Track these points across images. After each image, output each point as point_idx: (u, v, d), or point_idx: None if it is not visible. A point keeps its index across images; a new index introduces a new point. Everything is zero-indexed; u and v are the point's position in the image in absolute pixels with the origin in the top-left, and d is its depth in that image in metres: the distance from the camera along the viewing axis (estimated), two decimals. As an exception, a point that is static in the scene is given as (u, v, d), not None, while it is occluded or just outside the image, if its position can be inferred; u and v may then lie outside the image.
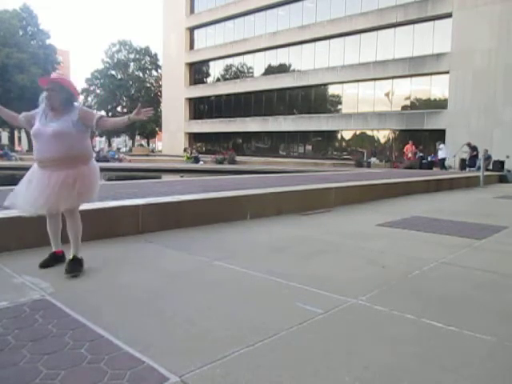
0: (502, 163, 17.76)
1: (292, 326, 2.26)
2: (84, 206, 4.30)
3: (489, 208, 7.62)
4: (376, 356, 1.98)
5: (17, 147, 43.68)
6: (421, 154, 21.03)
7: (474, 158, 17.99)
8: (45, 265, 3.20)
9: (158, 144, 61.37)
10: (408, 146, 21.83)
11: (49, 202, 2.99)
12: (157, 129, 54.17)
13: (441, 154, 20.05)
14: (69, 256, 3.16)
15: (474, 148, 18.44)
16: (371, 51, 27.06)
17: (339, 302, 2.63)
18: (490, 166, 17.31)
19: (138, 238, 4.29)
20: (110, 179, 15.06)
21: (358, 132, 29.37)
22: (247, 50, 34.90)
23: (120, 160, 25.98)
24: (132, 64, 56.90)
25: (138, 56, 56.62)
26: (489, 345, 2.13)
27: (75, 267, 3.06)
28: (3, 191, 5.74)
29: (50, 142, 2.98)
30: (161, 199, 5.01)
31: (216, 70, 39.32)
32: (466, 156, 18.95)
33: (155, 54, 56.21)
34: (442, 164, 19.78)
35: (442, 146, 20.38)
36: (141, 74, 57.32)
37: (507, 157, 18.25)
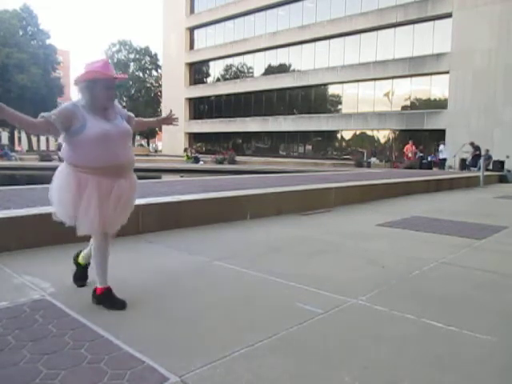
0: (501, 163, 17.76)
1: (292, 326, 2.26)
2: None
3: (489, 208, 7.62)
4: (376, 356, 1.98)
5: (17, 147, 43.69)
6: (421, 154, 21.05)
7: (476, 157, 17.95)
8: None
9: (158, 144, 61.36)
10: (408, 146, 21.83)
11: (123, 217, 2.58)
12: (157, 129, 54.16)
13: (442, 155, 20.09)
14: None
15: (476, 147, 18.45)
16: (371, 51, 27.07)
17: (339, 302, 2.63)
18: (490, 166, 17.32)
19: (137, 237, 4.29)
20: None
21: (357, 132, 29.38)
22: (247, 49, 34.91)
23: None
24: (132, 64, 56.87)
25: (138, 56, 56.58)
26: (489, 345, 2.13)
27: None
28: (3, 191, 5.75)
29: (120, 145, 2.50)
30: (161, 199, 5.01)
31: (216, 70, 39.32)
32: (466, 156, 18.95)
33: (155, 54, 56.20)
34: (442, 164, 19.81)
35: (442, 146, 20.40)
36: (141, 74, 57.30)
37: (507, 157, 18.26)
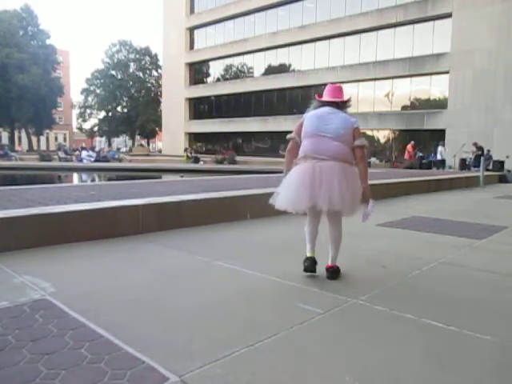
0: (501, 163, 17.74)
1: (292, 326, 2.26)
2: (84, 207, 4.31)
3: (489, 208, 7.62)
4: (376, 356, 1.98)
5: (17, 147, 43.65)
6: (421, 154, 21.03)
7: (478, 157, 17.89)
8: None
9: (158, 144, 61.36)
10: (409, 146, 21.76)
11: None
12: (157, 129, 54.16)
13: (439, 156, 20.17)
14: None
15: (479, 148, 18.44)
16: (371, 51, 27.05)
17: (339, 302, 2.63)
18: (490, 166, 17.29)
19: (138, 237, 4.29)
20: (110, 179, 15.11)
21: (357, 132, 29.32)
22: (247, 49, 34.89)
23: (120, 160, 25.97)
24: (132, 64, 56.87)
25: (138, 56, 56.59)
26: (489, 345, 2.13)
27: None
28: (3, 191, 5.75)
29: None
30: (161, 199, 5.01)
31: (216, 70, 39.31)
32: (466, 156, 18.91)
33: (155, 54, 56.20)
34: (441, 165, 19.83)
35: (440, 148, 20.43)
36: (141, 74, 57.30)
37: (507, 157, 18.24)
